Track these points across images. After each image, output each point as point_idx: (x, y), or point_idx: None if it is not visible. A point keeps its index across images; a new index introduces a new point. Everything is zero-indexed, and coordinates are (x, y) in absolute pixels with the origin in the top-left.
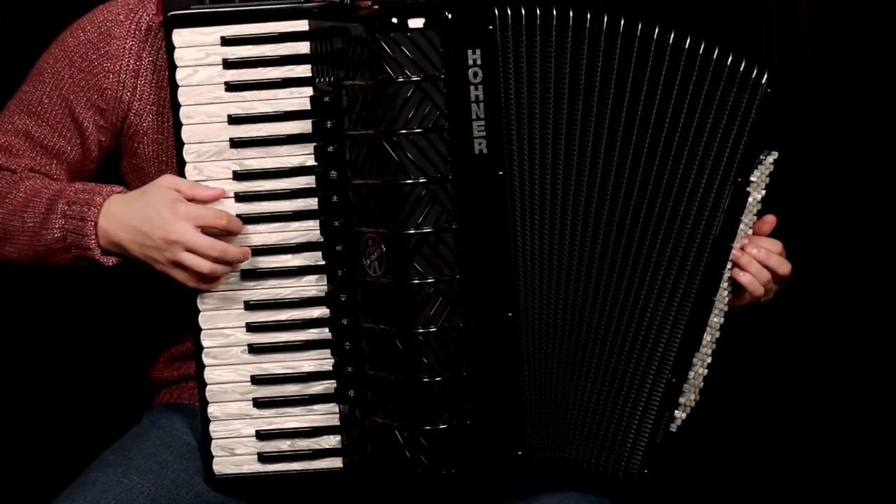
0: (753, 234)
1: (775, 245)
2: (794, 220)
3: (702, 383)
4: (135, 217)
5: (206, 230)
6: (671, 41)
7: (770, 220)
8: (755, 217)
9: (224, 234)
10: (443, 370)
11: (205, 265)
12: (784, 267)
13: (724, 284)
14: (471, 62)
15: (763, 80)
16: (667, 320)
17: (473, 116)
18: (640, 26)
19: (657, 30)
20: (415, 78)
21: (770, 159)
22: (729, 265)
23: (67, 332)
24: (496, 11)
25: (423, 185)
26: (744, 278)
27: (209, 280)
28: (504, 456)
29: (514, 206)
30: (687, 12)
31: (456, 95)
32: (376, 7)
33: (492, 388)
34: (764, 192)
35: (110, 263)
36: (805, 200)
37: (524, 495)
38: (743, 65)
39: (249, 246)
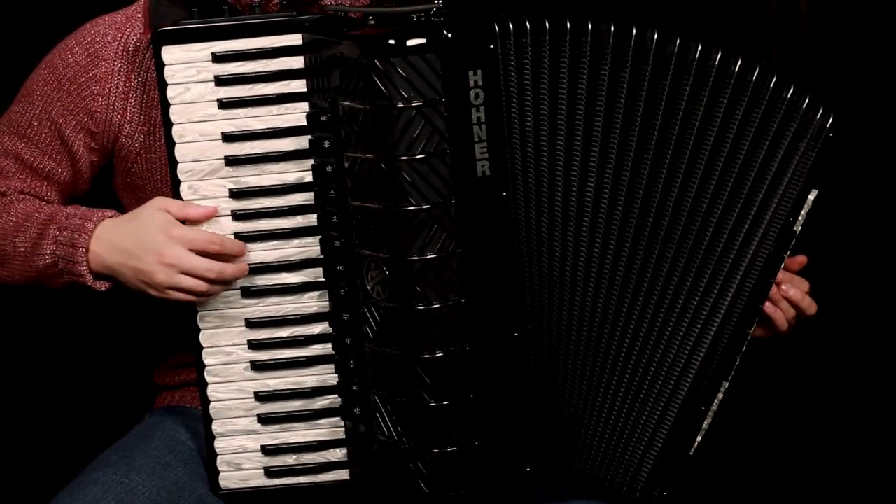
0: (785, 268)
1: (804, 285)
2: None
3: (716, 407)
4: (127, 241)
5: (201, 253)
6: (717, 62)
7: (801, 261)
8: (790, 250)
9: (220, 256)
10: (449, 393)
11: (202, 286)
12: (812, 308)
13: None
14: (472, 83)
15: (828, 124)
16: (699, 351)
17: (476, 139)
18: (677, 42)
19: (699, 48)
20: (415, 103)
21: (811, 196)
22: None
23: (69, 331)
24: (497, 28)
25: (426, 211)
26: (775, 315)
27: (206, 297)
28: (512, 474)
29: (519, 226)
30: (687, 12)
31: (457, 119)
32: (372, 22)
33: (499, 408)
34: (801, 227)
35: (102, 289)
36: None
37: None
38: (807, 101)
39: (248, 263)
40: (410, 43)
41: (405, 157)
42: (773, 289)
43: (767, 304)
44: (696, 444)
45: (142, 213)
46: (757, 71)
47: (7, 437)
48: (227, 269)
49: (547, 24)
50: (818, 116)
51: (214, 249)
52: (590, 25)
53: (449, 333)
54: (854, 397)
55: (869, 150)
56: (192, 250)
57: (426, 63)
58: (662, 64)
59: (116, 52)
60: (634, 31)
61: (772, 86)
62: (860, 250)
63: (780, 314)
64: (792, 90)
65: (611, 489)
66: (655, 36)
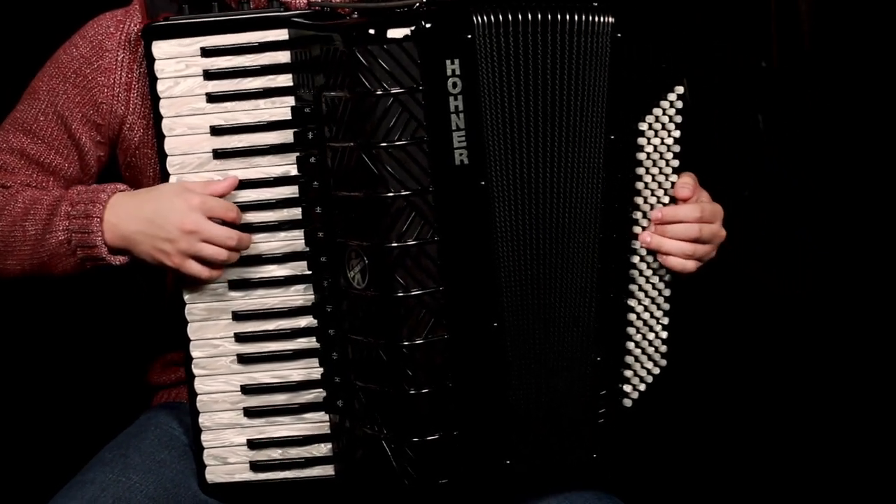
0: (674, 194)
1: (692, 211)
2: (797, 218)
3: (663, 347)
4: (146, 209)
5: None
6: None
7: (683, 183)
8: (676, 161)
9: (231, 225)
10: (429, 382)
11: (222, 254)
12: (706, 231)
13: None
14: (449, 72)
15: (608, 28)
16: (584, 300)
17: (453, 127)
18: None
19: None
20: (393, 91)
21: (672, 96)
22: (645, 224)
23: (68, 332)
24: (475, 20)
25: (404, 198)
26: (670, 261)
27: (219, 269)
28: (491, 466)
29: (497, 216)
30: (687, 10)
31: (435, 107)
32: (356, 16)
33: (478, 398)
34: (678, 132)
35: (118, 262)
36: (806, 197)
37: (533, 499)
38: (591, 18)
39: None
40: (391, 33)
41: (384, 144)
42: (650, 238)
43: (645, 235)
44: (636, 394)
45: (161, 185)
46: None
47: (5, 438)
48: (244, 236)
49: (520, 16)
50: (599, 26)
51: (231, 217)
52: (550, 16)
53: (427, 321)
54: (852, 393)
55: (869, 145)
56: (210, 218)
57: (404, 52)
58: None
59: (119, 43)
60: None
61: (568, 19)
62: (863, 248)
63: (674, 260)
64: (581, 15)
65: (574, 469)
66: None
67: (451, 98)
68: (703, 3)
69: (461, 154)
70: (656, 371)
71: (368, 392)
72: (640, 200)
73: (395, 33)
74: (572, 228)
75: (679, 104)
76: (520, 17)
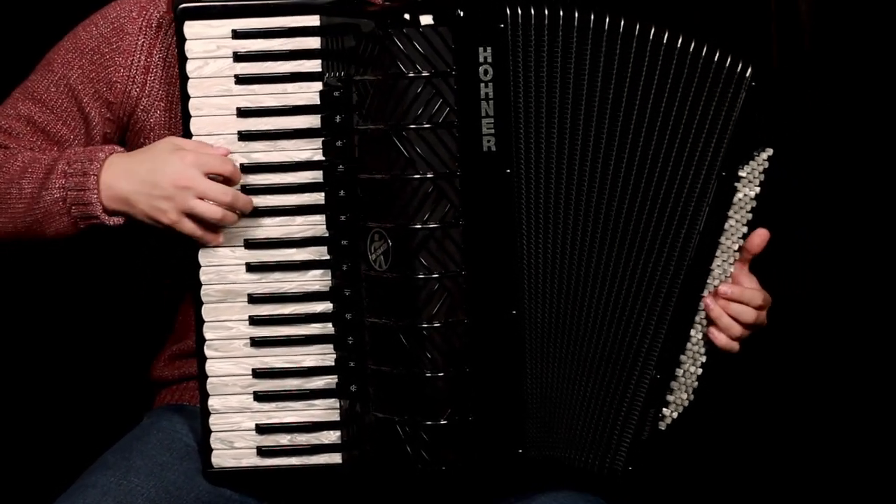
0: (746, 245)
1: (756, 297)
2: (796, 219)
3: (695, 383)
4: (141, 168)
5: (212, 178)
6: (665, 40)
7: (761, 234)
8: (750, 214)
9: (227, 182)
10: (446, 365)
11: (217, 212)
12: (759, 318)
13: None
14: (481, 59)
15: (747, 75)
16: (652, 316)
17: (483, 114)
18: (637, 26)
19: (653, 29)
20: (425, 73)
21: (764, 156)
22: (719, 262)
23: (69, 330)
24: (508, 11)
25: (431, 181)
26: (720, 339)
27: (216, 231)
28: (504, 454)
29: (521, 204)
30: (687, 9)
31: (466, 92)
32: (387, 3)
33: (494, 385)
34: (759, 188)
35: (113, 223)
36: (806, 199)
37: (520, 495)
38: (729, 60)
39: (255, 239)
40: (424, 17)
41: (413, 126)
42: (712, 303)
43: (711, 328)
44: (670, 419)
45: (155, 143)
46: (693, 42)
47: (8, 438)
48: (240, 195)
49: (546, 11)
50: (738, 70)
51: (227, 171)
52: (577, 14)
53: (447, 305)
54: (854, 396)
55: (870, 147)
56: (205, 174)
57: (439, 36)
58: (626, 45)
59: (140, 28)
60: (608, 18)
61: (703, 53)
62: (862, 248)
63: (724, 338)
64: (718, 54)
65: (585, 470)
66: (622, 21)
67: (482, 85)
68: (703, 3)
69: (489, 141)
70: (686, 404)
71: (384, 375)
72: (722, 238)
73: (430, 19)
74: (634, 242)
75: (766, 164)
76: (561, 14)
